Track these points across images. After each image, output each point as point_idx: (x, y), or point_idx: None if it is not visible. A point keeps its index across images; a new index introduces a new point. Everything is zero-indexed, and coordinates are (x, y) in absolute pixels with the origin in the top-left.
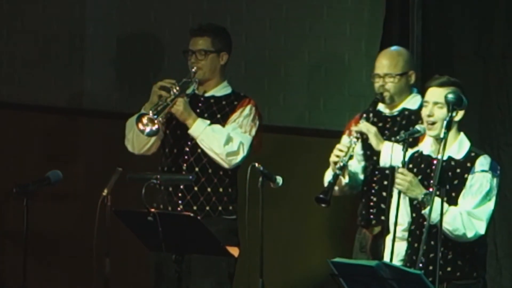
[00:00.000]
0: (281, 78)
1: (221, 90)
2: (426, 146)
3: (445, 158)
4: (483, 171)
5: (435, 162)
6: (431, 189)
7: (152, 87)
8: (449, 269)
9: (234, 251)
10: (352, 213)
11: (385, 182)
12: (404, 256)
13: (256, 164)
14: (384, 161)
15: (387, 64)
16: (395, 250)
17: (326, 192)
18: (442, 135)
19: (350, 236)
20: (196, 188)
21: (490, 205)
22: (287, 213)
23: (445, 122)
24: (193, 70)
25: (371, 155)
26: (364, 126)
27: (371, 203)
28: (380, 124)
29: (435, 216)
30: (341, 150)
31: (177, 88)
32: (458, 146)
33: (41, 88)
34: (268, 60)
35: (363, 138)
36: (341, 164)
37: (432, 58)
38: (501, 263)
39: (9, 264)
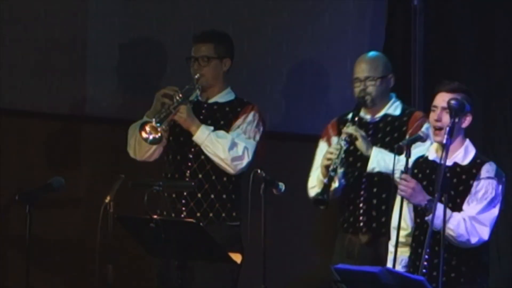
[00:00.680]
0: (283, 84)
1: (224, 96)
2: (431, 152)
3: (450, 164)
4: (488, 177)
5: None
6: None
7: (155, 93)
8: (453, 275)
9: (237, 257)
10: None
11: (375, 189)
12: (407, 262)
13: (259, 171)
14: (372, 166)
15: (367, 68)
16: (398, 256)
17: (322, 193)
18: (444, 141)
19: None
20: (199, 195)
21: (495, 211)
22: (289, 220)
23: (447, 129)
24: (196, 76)
25: (353, 161)
26: (354, 129)
27: (361, 211)
28: (363, 130)
29: (438, 222)
30: (332, 153)
31: (180, 95)
32: (463, 152)
33: (44, 95)
34: (270, 66)
35: (352, 141)
36: (334, 166)
37: (435, 63)
38: (504, 269)
39: (12, 270)
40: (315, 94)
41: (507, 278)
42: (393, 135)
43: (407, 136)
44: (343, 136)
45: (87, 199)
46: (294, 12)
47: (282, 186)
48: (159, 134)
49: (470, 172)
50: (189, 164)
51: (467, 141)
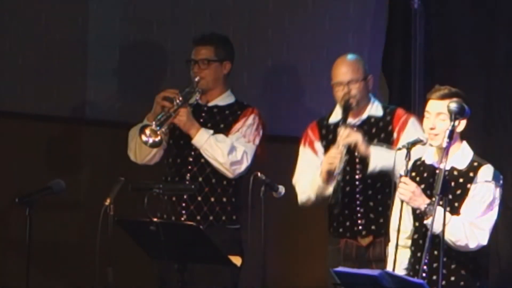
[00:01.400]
0: (284, 88)
1: (225, 99)
2: (429, 155)
3: (447, 167)
4: (486, 181)
5: (438, 171)
6: (434, 199)
7: (155, 96)
8: (452, 278)
9: (237, 260)
10: None
11: (370, 192)
12: (407, 265)
13: (259, 174)
14: (374, 165)
15: (349, 70)
16: (398, 259)
17: (336, 197)
18: (444, 145)
19: None
20: (199, 198)
21: (493, 215)
22: (289, 222)
23: (447, 132)
24: (196, 79)
25: (343, 167)
26: (352, 136)
27: (358, 214)
28: None
29: (437, 226)
30: (334, 158)
31: (180, 98)
32: (460, 155)
33: (44, 97)
34: (270, 70)
35: (351, 148)
36: (339, 170)
37: (435, 67)
38: (504, 272)
39: (12, 273)
40: (316, 97)
41: (507, 280)
42: (380, 136)
43: (395, 134)
44: (341, 147)
45: (87, 202)
46: (294, 16)
47: (282, 189)
48: (159, 137)
49: (467, 176)
50: (189, 167)
51: (464, 143)
